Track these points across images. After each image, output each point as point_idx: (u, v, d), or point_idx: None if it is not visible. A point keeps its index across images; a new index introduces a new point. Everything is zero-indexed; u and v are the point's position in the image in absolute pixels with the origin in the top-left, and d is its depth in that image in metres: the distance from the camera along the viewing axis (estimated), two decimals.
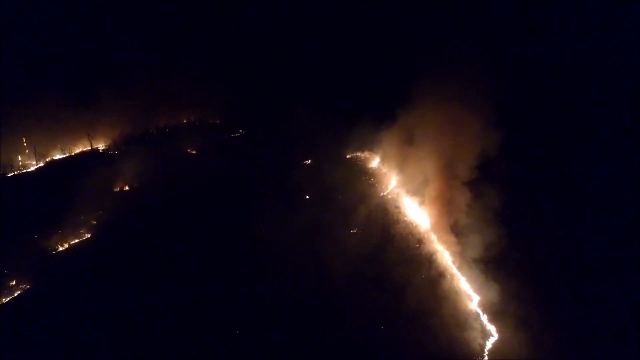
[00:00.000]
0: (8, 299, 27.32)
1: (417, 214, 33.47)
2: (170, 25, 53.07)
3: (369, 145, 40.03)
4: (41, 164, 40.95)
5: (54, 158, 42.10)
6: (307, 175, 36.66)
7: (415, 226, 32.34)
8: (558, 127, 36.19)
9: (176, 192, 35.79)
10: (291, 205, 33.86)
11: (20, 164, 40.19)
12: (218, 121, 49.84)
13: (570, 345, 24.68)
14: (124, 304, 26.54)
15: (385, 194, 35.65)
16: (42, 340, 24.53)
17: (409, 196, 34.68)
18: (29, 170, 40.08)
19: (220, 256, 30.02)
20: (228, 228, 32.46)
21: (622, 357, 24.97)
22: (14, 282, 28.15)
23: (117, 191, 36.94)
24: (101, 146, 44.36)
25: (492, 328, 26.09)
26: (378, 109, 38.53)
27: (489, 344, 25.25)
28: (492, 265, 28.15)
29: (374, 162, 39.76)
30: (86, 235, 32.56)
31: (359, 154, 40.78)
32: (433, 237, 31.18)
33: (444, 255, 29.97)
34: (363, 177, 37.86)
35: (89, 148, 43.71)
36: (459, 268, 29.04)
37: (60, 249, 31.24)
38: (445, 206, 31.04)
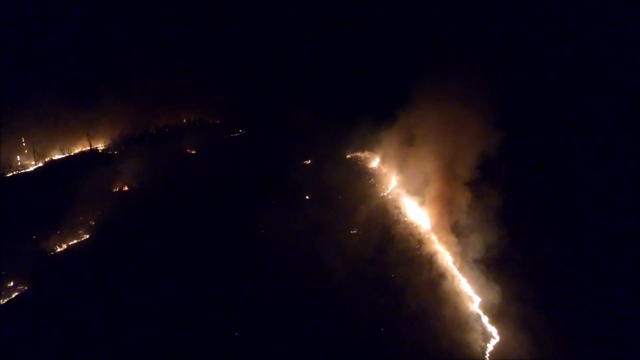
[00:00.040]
0: (6, 300, 27.23)
1: (418, 214, 33.33)
2: (170, 25, 53.17)
3: (369, 145, 39.93)
4: (40, 164, 40.86)
5: (53, 158, 42.04)
6: (307, 176, 36.55)
7: (416, 227, 32.19)
8: (559, 127, 36.08)
9: (176, 193, 35.72)
10: (291, 206, 33.73)
11: (19, 164, 40.10)
12: (218, 121, 49.80)
13: (572, 347, 24.52)
14: (123, 305, 26.44)
15: (385, 194, 35.51)
16: (40, 342, 24.41)
17: (409, 196, 34.53)
18: (28, 170, 39.97)
19: (219, 257, 29.91)
20: (227, 228, 32.35)
21: (624, 358, 24.77)
22: (12, 284, 28.05)
23: (116, 191, 36.84)
24: (100, 146, 44.32)
25: (493, 330, 25.93)
26: (378, 109, 38.46)
27: (490, 346, 25.08)
28: (493, 266, 27.98)
29: (374, 162, 39.64)
30: (85, 236, 32.47)
31: (359, 154, 40.67)
32: (433, 238, 31.04)
33: (445, 256, 29.81)
34: (363, 177, 37.74)
35: (89, 148, 43.65)
36: (460, 269, 28.88)
37: (59, 249, 31.14)
38: (446, 206, 30.87)
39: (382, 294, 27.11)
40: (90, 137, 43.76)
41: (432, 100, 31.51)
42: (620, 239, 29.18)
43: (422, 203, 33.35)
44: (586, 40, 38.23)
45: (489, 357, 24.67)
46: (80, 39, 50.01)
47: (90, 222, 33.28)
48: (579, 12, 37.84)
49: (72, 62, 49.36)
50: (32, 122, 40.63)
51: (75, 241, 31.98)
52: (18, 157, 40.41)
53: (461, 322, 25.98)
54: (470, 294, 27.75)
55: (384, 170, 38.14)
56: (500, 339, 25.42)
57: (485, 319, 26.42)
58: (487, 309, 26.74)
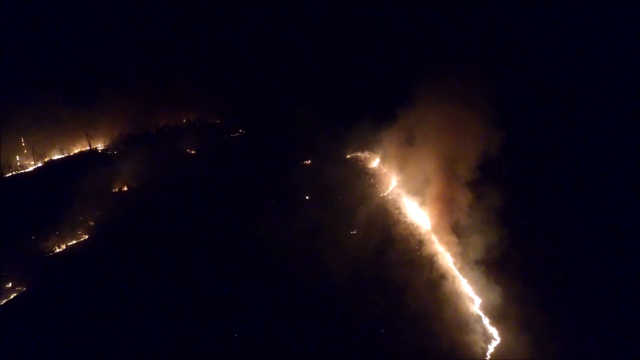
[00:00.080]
0: (4, 301, 27.11)
1: (418, 214, 33.22)
2: (169, 25, 53.00)
3: (369, 145, 39.79)
4: (39, 164, 40.75)
5: (53, 158, 41.92)
6: (307, 176, 36.51)
7: (416, 227, 32.09)
8: (560, 127, 35.95)
9: (175, 193, 35.62)
10: (291, 206, 33.62)
11: (18, 164, 39.99)
12: (218, 121, 49.64)
13: (573, 349, 24.39)
14: (123, 306, 26.34)
15: (385, 194, 35.40)
16: (39, 344, 24.31)
17: (410, 197, 34.42)
18: (27, 170, 39.86)
19: (219, 257, 29.83)
20: (227, 229, 32.26)
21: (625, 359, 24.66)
22: (10, 284, 27.94)
23: (115, 192, 36.73)
24: (100, 146, 44.19)
25: (494, 331, 25.87)
26: (378, 109, 38.38)
27: (491, 348, 25.03)
28: (494, 267, 27.92)
29: (374, 163, 39.51)
30: (84, 236, 32.37)
31: (359, 154, 40.55)
32: (434, 239, 30.94)
33: (445, 256, 29.71)
34: (363, 177, 37.63)
35: (88, 148, 43.54)
36: (461, 270, 28.78)
37: (58, 250, 31.02)
38: (447, 207, 30.79)
39: (382, 295, 27.03)
40: (89, 137, 43.64)
41: (433, 100, 31.41)
42: (622, 239, 29.12)
43: (422, 203, 33.24)
44: (587, 40, 38.15)
45: (489, 358, 24.61)
46: (80, 38, 49.93)
47: (90, 223, 33.19)
48: (580, 11, 37.75)
49: (72, 62, 49.26)
50: (31, 122, 40.57)
51: (74, 242, 31.87)
52: (17, 157, 40.30)
53: (462, 323, 25.92)
54: (470, 295, 27.66)
55: (384, 170, 38.02)
56: (501, 340, 25.38)
57: (486, 320, 26.34)
58: (488, 310, 26.66)
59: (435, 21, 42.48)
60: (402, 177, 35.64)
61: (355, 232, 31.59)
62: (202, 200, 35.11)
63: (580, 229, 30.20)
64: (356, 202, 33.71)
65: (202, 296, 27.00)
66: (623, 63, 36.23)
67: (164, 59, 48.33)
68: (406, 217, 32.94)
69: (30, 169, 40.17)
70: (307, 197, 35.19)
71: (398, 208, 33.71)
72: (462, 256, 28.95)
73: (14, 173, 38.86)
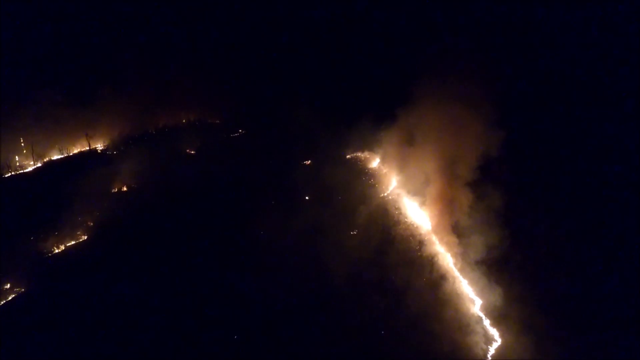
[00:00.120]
0: (2, 302, 27.00)
1: (418, 215, 33.09)
2: (169, 25, 52.96)
3: (369, 145, 39.67)
4: (39, 164, 40.67)
5: (52, 158, 41.85)
6: (306, 176, 36.33)
7: (416, 228, 31.96)
8: (561, 127, 35.87)
9: (175, 193, 35.50)
10: (290, 206, 33.50)
11: (17, 164, 39.92)
12: (218, 121, 49.59)
13: (575, 351, 24.24)
14: (122, 307, 26.19)
15: (385, 194, 35.27)
16: (37, 345, 24.18)
17: (410, 197, 34.29)
18: (27, 170, 39.78)
19: (218, 258, 29.69)
20: (227, 229, 32.13)
21: None
22: (9, 286, 27.82)
23: (115, 192, 36.63)
24: (100, 146, 44.11)
25: (495, 332, 25.71)
26: (378, 109, 38.27)
27: (492, 349, 24.88)
28: (494, 268, 27.76)
29: (374, 163, 39.40)
30: (83, 237, 32.24)
31: (359, 154, 40.44)
32: (434, 239, 30.81)
33: (446, 257, 29.58)
34: (363, 177, 37.51)
35: (87, 148, 43.45)
36: (461, 271, 28.65)
37: (56, 251, 30.90)
38: (447, 207, 30.66)
39: (382, 296, 26.88)
40: (89, 137, 43.57)
41: (433, 99, 31.27)
42: (623, 240, 29.01)
43: (422, 204, 33.09)
44: (588, 40, 38.04)
45: None
46: (79, 38, 49.89)
47: (89, 223, 33.07)
48: (580, 11, 37.65)
49: (71, 62, 49.25)
50: (31, 122, 40.50)
51: (73, 242, 31.74)
52: (16, 157, 40.23)
53: (462, 324, 25.75)
54: (471, 296, 27.51)
55: (384, 170, 37.89)
56: (502, 342, 25.21)
57: (486, 321, 26.20)
58: (489, 311, 26.52)
59: (436, 21, 42.46)
60: (402, 177, 35.51)
61: (355, 232, 31.46)
62: (202, 201, 34.99)
63: (581, 229, 30.04)
64: (356, 203, 33.57)
65: (201, 297, 26.87)
66: (624, 63, 36.14)
67: (164, 59, 48.36)
68: (406, 218, 32.82)
69: (30, 169, 40.11)
70: (306, 198, 35.07)
71: (398, 208, 33.58)
72: (463, 257, 28.79)
73: (13, 173, 38.78)
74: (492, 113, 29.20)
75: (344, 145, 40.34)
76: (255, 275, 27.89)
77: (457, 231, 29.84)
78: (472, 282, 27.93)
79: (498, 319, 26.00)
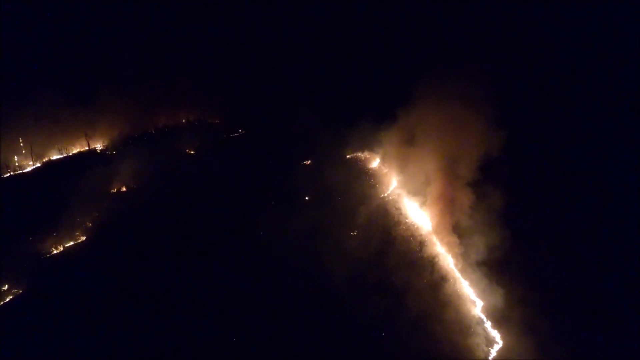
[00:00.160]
0: (0, 303, 26.84)
1: (419, 215, 32.93)
2: (169, 25, 52.89)
3: (369, 145, 39.62)
4: (38, 165, 40.56)
5: (51, 158, 41.73)
6: (306, 176, 36.31)
7: (417, 228, 31.79)
8: (562, 127, 35.70)
9: (174, 193, 35.40)
10: (290, 207, 33.43)
11: (16, 164, 39.81)
12: (217, 121, 49.52)
13: (576, 352, 24.02)
14: (121, 309, 26.06)
15: (386, 195, 35.14)
16: (35, 347, 24.03)
17: (410, 197, 34.13)
18: (26, 170, 39.67)
19: (218, 258, 29.56)
20: (226, 230, 32.01)
21: None
22: (7, 287, 27.69)
23: (114, 192, 36.51)
24: (99, 146, 44.00)
25: (496, 334, 25.51)
26: (378, 109, 38.23)
27: (493, 351, 24.68)
28: (496, 269, 27.57)
29: (375, 163, 39.30)
30: (81, 237, 32.12)
31: (359, 154, 40.36)
32: (435, 240, 30.62)
33: (446, 258, 29.39)
34: (363, 177, 37.43)
35: (87, 148, 43.34)
36: (462, 272, 28.46)
37: (55, 251, 30.77)
38: (448, 207, 30.52)
39: (382, 297, 26.72)
40: (88, 137, 43.46)
41: (433, 99, 31.15)
42: (624, 241, 28.83)
43: (423, 204, 32.92)
44: (589, 40, 37.88)
45: None
46: (79, 38, 49.83)
47: (87, 224, 32.98)
48: (581, 11, 37.49)
49: (71, 62, 49.19)
50: (30, 122, 40.40)
51: (71, 243, 31.61)
52: (15, 157, 40.12)
53: (463, 326, 25.59)
54: (472, 297, 27.33)
55: (385, 170, 37.78)
56: (504, 344, 25.01)
57: (488, 323, 26.00)
58: (490, 312, 26.32)
59: (436, 21, 42.31)
60: (403, 177, 35.38)
61: (355, 233, 31.33)
62: (202, 201, 34.88)
63: (582, 230, 29.88)
64: (356, 203, 33.47)
65: (200, 298, 26.73)
66: (625, 63, 35.97)
67: (164, 59, 48.29)
68: (407, 218, 32.65)
69: (29, 169, 39.99)
70: (306, 198, 34.97)
71: (398, 209, 33.42)
72: (464, 258, 28.62)
73: (12, 173, 38.66)
74: (492, 113, 29.05)
75: (344, 145, 40.29)
76: (254, 276, 27.77)
77: (457, 232, 29.67)
78: (473, 284, 27.73)
79: (499, 321, 25.81)
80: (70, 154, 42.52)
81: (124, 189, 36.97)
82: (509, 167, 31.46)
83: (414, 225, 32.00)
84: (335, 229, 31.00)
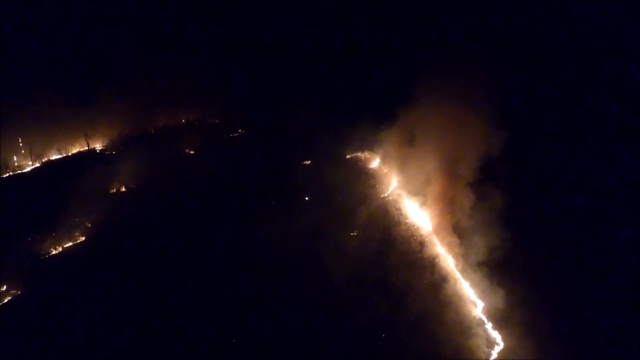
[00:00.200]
0: None
1: (419, 215, 32.82)
2: (169, 25, 52.89)
3: (370, 145, 39.53)
4: (37, 165, 40.51)
5: (50, 158, 41.67)
6: (306, 176, 36.26)
7: (417, 228, 31.69)
8: (563, 128, 35.59)
9: (173, 194, 35.32)
10: (290, 207, 33.31)
11: (15, 164, 39.76)
12: (217, 121, 49.48)
13: (578, 354, 23.85)
14: (120, 310, 25.95)
15: (386, 195, 35.05)
16: (34, 349, 23.91)
17: (411, 197, 34.02)
18: (25, 171, 39.62)
19: (217, 259, 29.46)
20: (226, 230, 31.92)
21: None
22: (5, 288, 27.59)
23: (113, 192, 36.42)
24: (98, 146, 43.96)
25: (497, 335, 25.36)
26: (378, 108, 38.15)
27: (494, 353, 24.52)
28: (497, 270, 27.40)
29: (375, 163, 39.23)
30: (80, 238, 32.02)
31: (359, 154, 40.29)
32: (435, 240, 30.50)
33: (447, 258, 29.26)
34: (363, 177, 37.36)
35: (86, 148, 43.29)
36: (463, 272, 28.33)
37: (54, 252, 30.69)
38: (448, 208, 30.40)
39: (382, 298, 26.55)
40: (88, 137, 43.42)
41: (434, 99, 31.05)
42: (625, 241, 28.65)
43: (423, 204, 32.79)
44: (589, 40, 37.75)
45: None
46: (78, 38, 49.84)
47: (86, 224, 32.88)
48: (582, 11, 37.40)
49: (70, 62, 49.24)
50: (29, 122, 40.42)
51: (70, 244, 31.51)
52: (15, 157, 40.09)
53: (464, 327, 25.43)
54: (473, 298, 27.19)
55: (385, 170, 37.69)
56: (505, 345, 24.85)
57: (488, 324, 25.87)
58: (491, 313, 26.18)
59: (436, 20, 42.21)
60: (403, 177, 35.26)
61: (355, 233, 31.22)
62: (201, 201, 34.78)
63: (584, 231, 29.73)
64: (356, 203, 33.34)
65: (200, 298, 26.60)
66: (625, 63, 35.86)
67: (164, 59, 48.27)
68: (407, 218, 32.54)
69: (28, 169, 39.95)
70: (306, 198, 34.87)
71: (399, 209, 33.32)
72: (464, 258, 28.48)
73: (11, 174, 38.63)
74: (493, 112, 28.94)
75: (344, 145, 40.16)
76: (254, 276, 27.64)
77: (458, 232, 29.54)
78: (473, 284, 27.59)
79: (500, 322, 25.65)
80: (70, 154, 42.52)
81: (124, 189, 36.89)
82: (509, 167, 31.37)
83: (414, 226, 31.88)
84: (335, 229, 30.86)
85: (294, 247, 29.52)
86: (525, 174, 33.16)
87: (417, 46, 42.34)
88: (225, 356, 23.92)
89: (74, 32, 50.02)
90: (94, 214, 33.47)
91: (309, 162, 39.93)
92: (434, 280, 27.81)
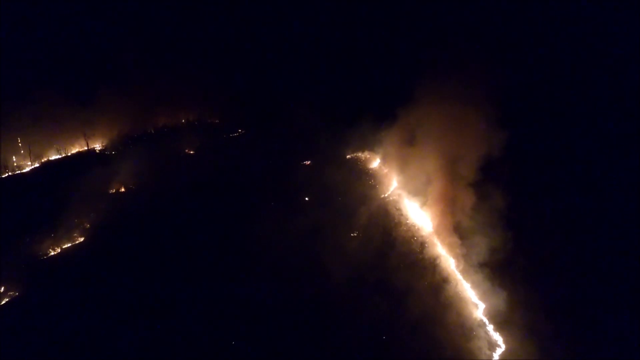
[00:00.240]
0: None
1: (420, 216, 32.70)
2: (168, 25, 52.82)
3: (370, 145, 39.43)
4: (36, 165, 40.38)
5: (50, 159, 41.55)
6: (306, 176, 36.20)
7: (418, 229, 31.57)
8: (564, 128, 35.47)
9: (173, 194, 35.19)
10: (290, 207, 33.18)
11: (15, 164, 39.63)
12: (217, 121, 49.36)
13: (579, 355, 23.70)
14: (119, 311, 25.86)
15: (386, 195, 34.93)
16: (32, 350, 23.85)
17: (411, 198, 33.91)
18: (24, 171, 39.49)
19: (217, 259, 29.38)
20: (226, 230, 31.80)
21: None
22: (3, 289, 27.48)
23: (112, 193, 36.27)
24: (98, 146, 43.81)
25: (498, 337, 25.26)
26: (378, 108, 38.01)
27: (495, 355, 24.44)
28: (497, 271, 27.29)
29: (375, 163, 39.09)
30: (79, 239, 31.91)
31: (359, 154, 40.16)
32: (436, 241, 30.38)
33: (448, 259, 29.14)
34: (364, 178, 37.24)
35: (86, 148, 43.15)
36: (464, 273, 28.23)
37: (52, 253, 30.56)
38: (449, 208, 30.34)
39: (383, 299, 26.46)
40: (87, 137, 43.27)
41: (434, 99, 30.96)
42: (627, 242, 28.54)
43: (424, 204, 32.66)
44: (590, 40, 37.69)
45: None
46: (78, 37, 49.79)
47: (85, 225, 32.75)
48: (583, 11, 37.31)
49: (70, 61, 49.07)
50: (28, 122, 40.25)
51: (69, 244, 31.39)
52: (14, 157, 39.96)
53: (465, 329, 25.36)
54: (474, 299, 27.09)
55: (385, 170, 37.55)
56: (506, 347, 24.76)
57: (490, 326, 25.75)
58: (492, 315, 26.06)
59: (437, 20, 42.15)
60: (403, 177, 35.14)
61: (355, 234, 31.12)
62: (201, 202, 34.65)
63: (585, 231, 29.65)
64: (356, 203, 33.26)
65: (199, 299, 26.54)
66: (626, 63, 35.75)
67: (164, 59, 48.14)
68: (407, 219, 32.42)
69: (27, 169, 39.80)
70: (306, 198, 34.75)
71: (399, 209, 33.19)
72: (465, 259, 28.38)
73: (10, 174, 38.49)
74: (494, 112, 28.84)
75: (344, 145, 40.04)
76: (254, 277, 27.57)
77: (459, 233, 29.44)
78: (475, 286, 27.48)
79: (502, 324, 25.54)
80: (69, 154, 42.34)
81: (123, 189, 36.74)
82: (510, 167, 31.26)
83: (414, 226, 31.77)
84: (336, 229, 30.77)
85: (294, 248, 29.43)
86: (526, 174, 33.03)
87: (417, 46, 42.22)
88: (225, 356, 23.89)
89: (73, 32, 50.04)
90: (93, 215, 33.33)
91: (309, 162, 39.79)
92: (434, 282, 27.71)
